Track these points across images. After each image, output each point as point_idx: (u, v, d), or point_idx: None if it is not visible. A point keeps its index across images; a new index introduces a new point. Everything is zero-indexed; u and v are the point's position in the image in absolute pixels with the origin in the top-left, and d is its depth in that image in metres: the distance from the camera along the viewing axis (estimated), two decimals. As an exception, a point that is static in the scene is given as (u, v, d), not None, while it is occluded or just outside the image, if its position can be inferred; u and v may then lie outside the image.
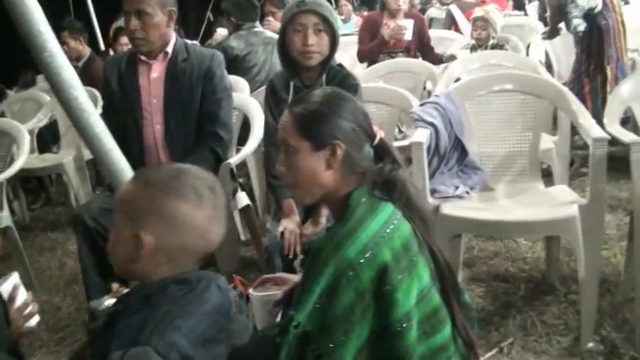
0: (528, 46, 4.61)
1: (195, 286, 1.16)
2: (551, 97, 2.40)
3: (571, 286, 2.47)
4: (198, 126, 2.52)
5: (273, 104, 2.28)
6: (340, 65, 2.23)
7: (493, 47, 4.08)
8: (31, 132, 4.41)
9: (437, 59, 4.15)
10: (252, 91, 3.39)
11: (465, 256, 2.86)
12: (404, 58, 3.91)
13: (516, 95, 2.44)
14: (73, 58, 4.76)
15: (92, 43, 5.99)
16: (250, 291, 1.71)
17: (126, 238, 1.14)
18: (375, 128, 1.45)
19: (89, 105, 1.41)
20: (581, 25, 3.58)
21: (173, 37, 2.54)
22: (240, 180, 3.49)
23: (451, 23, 5.46)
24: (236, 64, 3.64)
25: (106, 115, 2.64)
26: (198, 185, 1.17)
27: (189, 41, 4.94)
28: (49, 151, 4.56)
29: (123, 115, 2.52)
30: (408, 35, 3.92)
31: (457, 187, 2.28)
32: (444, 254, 1.44)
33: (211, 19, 9.12)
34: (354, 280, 1.25)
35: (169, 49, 2.51)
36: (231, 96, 2.63)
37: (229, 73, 3.48)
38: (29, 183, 4.69)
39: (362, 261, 1.25)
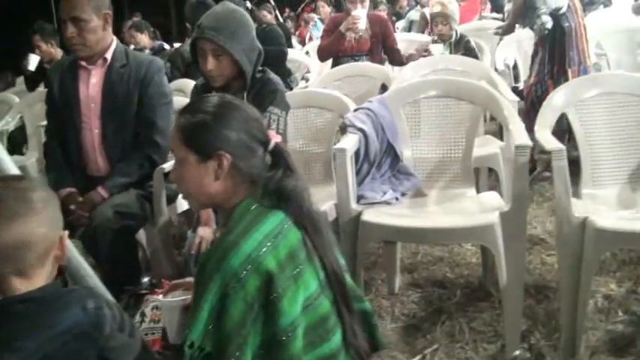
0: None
1: (46, 306, 1.12)
2: (483, 102, 2.38)
3: (506, 292, 2.46)
4: (136, 132, 2.53)
5: None
6: (263, 71, 2.22)
7: (457, 42, 4.00)
8: (0, 134, 4.47)
9: (403, 61, 4.12)
10: (207, 94, 3.37)
11: (408, 261, 2.85)
12: (360, 62, 3.89)
13: (449, 101, 2.42)
14: (45, 61, 4.79)
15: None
16: (160, 297, 1.72)
17: None
18: (271, 133, 1.46)
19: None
20: (548, 23, 3.57)
21: (114, 43, 2.56)
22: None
23: (425, 25, 5.45)
24: (193, 68, 3.62)
25: (48, 118, 2.72)
26: None
27: (171, 46, 4.98)
28: (20, 154, 4.58)
29: (63, 118, 2.56)
30: (362, 24, 3.89)
31: (385, 193, 2.27)
32: (334, 263, 1.44)
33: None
34: (240, 291, 1.25)
35: (109, 54, 2.53)
36: (171, 102, 2.62)
37: (186, 77, 3.52)
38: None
39: (245, 272, 1.25)
